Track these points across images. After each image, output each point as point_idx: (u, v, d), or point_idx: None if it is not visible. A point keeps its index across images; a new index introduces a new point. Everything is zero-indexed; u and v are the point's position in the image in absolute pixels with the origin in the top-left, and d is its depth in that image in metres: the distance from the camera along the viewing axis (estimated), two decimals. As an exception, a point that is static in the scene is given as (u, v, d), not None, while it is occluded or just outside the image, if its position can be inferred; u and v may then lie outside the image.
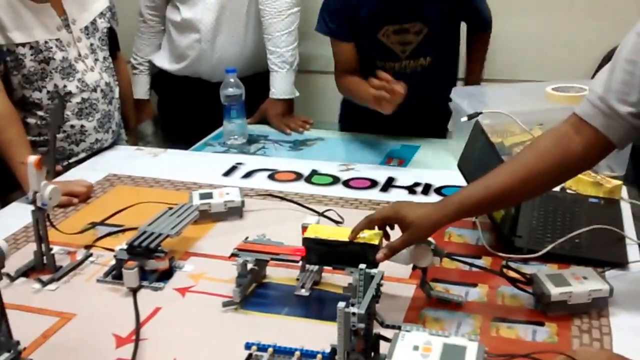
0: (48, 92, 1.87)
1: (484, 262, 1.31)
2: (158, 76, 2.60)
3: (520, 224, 1.42)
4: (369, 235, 1.16)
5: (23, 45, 1.81)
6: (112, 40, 2.09)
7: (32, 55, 1.82)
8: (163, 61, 2.51)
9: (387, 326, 1.01)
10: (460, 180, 1.46)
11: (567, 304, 1.13)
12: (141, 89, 2.56)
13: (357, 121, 2.22)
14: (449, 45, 2.11)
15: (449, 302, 1.17)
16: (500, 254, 1.33)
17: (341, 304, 0.87)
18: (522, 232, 1.39)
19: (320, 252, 1.17)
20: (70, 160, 1.95)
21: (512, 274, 1.20)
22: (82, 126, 1.94)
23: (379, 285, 0.94)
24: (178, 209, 1.43)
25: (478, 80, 2.20)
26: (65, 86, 1.88)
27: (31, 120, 1.89)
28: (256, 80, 2.35)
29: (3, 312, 0.92)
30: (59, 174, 1.83)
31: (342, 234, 1.17)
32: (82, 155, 1.98)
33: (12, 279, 1.30)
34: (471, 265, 1.25)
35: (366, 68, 2.05)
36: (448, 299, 1.17)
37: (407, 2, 1.95)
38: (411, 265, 1.16)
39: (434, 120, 2.15)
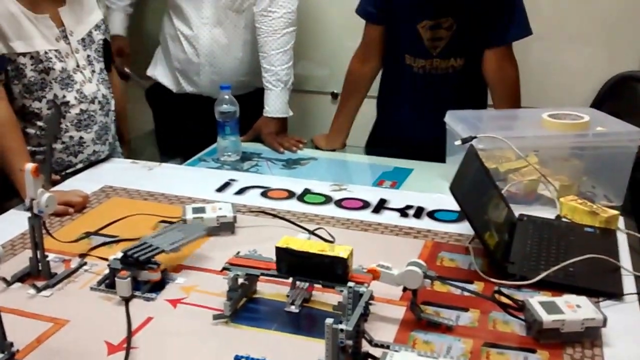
0: (47, 102, 1.89)
1: (476, 287, 1.33)
2: (153, 90, 2.63)
3: (514, 250, 1.44)
4: (340, 250, 1.17)
5: (24, 55, 1.83)
6: (107, 53, 2.10)
7: (32, 65, 1.84)
8: (162, 77, 2.54)
9: (376, 345, 1.02)
10: (454, 204, 1.49)
11: (560, 332, 1.14)
12: (117, 24, 2.61)
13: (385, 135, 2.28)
14: (483, 49, 2.11)
15: (439, 325, 1.19)
16: (493, 279, 1.34)
17: (329, 320, 0.89)
18: (516, 258, 1.41)
19: (290, 263, 1.19)
20: (68, 171, 1.97)
21: (504, 299, 1.23)
22: (80, 137, 1.96)
23: (368, 303, 0.96)
24: (188, 226, 1.43)
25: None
26: (64, 96, 1.90)
27: (31, 130, 1.90)
28: (251, 97, 2.38)
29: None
30: (56, 183, 1.84)
31: (314, 246, 1.18)
32: (80, 166, 2.00)
33: (8, 283, 1.31)
34: (463, 289, 1.27)
35: (395, 64, 2.12)
36: (438, 322, 1.19)
37: None
38: (402, 287, 1.18)
39: None
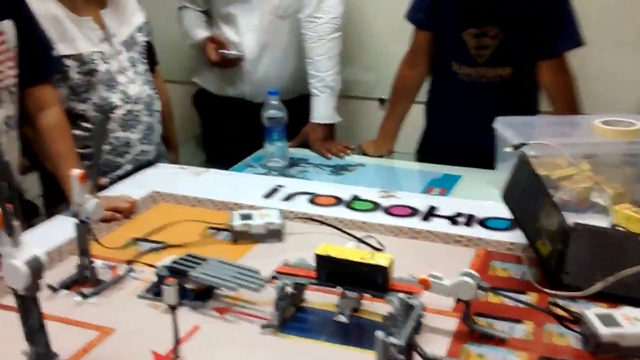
0: (94, 103, 1.91)
1: (530, 297, 1.28)
2: (200, 95, 2.63)
3: (568, 260, 1.39)
4: (380, 258, 1.14)
5: (68, 57, 1.85)
6: (150, 55, 2.12)
7: (77, 67, 1.87)
8: (206, 82, 2.54)
9: (428, 358, 0.98)
10: (505, 212, 1.44)
11: (618, 346, 1.09)
12: (197, 28, 2.44)
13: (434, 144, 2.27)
14: (532, 59, 2.08)
15: (493, 338, 1.14)
16: (547, 290, 1.29)
17: (380, 333, 0.86)
18: (570, 268, 1.35)
19: (330, 270, 1.17)
20: (117, 173, 1.98)
21: (559, 311, 1.18)
22: (126, 138, 1.98)
23: (420, 316, 0.92)
24: (247, 272, 1.28)
25: None
26: (109, 98, 1.92)
27: (77, 132, 1.90)
28: (298, 103, 2.37)
29: (41, 324, 0.93)
30: (103, 188, 1.85)
31: (354, 254, 1.16)
32: (128, 167, 2.01)
33: (55, 290, 1.31)
34: (516, 300, 1.23)
35: (443, 70, 2.11)
36: (492, 335, 1.14)
37: (484, 3, 1.98)
38: (454, 298, 1.15)
39: None
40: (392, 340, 0.85)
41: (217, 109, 2.56)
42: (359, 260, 1.14)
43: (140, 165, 2.05)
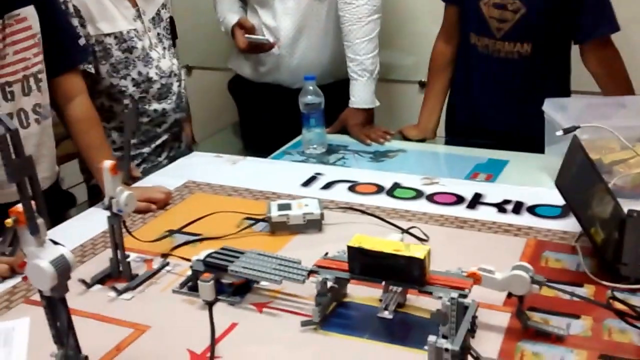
0: (133, 79, 1.97)
1: (587, 290, 1.20)
2: (236, 82, 2.58)
3: (625, 250, 1.30)
4: (416, 249, 1.08)
5: (109, 35, 1.91)
6: (172, 29, 2.19)
7: (117, 45, 1.93)
8: (243, 68, 2.49)
9: (483, 362, 0.92)
10: (555, 199, 1.36)
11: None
12: (229, 13, 2.38)
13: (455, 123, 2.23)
14: (555, 38, 2.01)
15: (549, 335, 1.07)
16: (605, 282, 1.21)
17: (432, 338, 0.79)
18: (628, 259, 1.27)
19: (363, 263, 1.11)
20: (156, 143, 2.08)
21: (619, 305, 1.10)
22: (163, 109, 2.06)
23: (475, 317, 0.85)
24: (288, 263, 1.22)
25: None
26: (147, 73, 1.99)
27: (118, 108, 1.97)
28: (336, 88, 2.30)
29: (70, 325, 0.88)
30: (137, 179, 1.82)
31: (388, 246, 1.10)
32: (165, 136, 2.11)
33: (88, 285, 1.27)
34: (573, 294, 1.14)
35: (463, 44, 2.09)
36: (548, 332, 1.07)
37: None
38: (506, 292, 1.07)
39: (532, 126, 2.05)
40: (446, 344, 0.78)
41: (254, 96, 2.51)
42: (393, 252, 1.09)
43: (174, 136, 2.15)
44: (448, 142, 2.23)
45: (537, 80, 2.04)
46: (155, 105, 2.03)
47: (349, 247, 1.12)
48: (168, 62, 2.06)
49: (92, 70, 1.90)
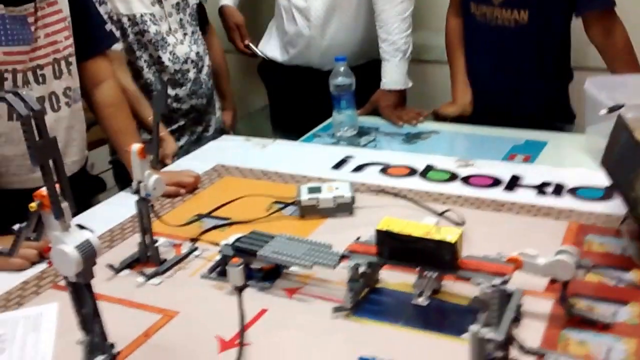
0: (145, 61, 2.01)
1: (633, 276, 1.14)
2: (266, 66, 2.55)
3: (672, 234, 1.24)
4: (447, 233, 1.04)
5: (124, 16, 1.94)
6: (201, 16, 2.19)
7: (130, 27, 1.96)
8: (273, 50, 2.45)
9: (528, 352, 0.86)
10: (597, 180, 1.30)
11: None
12: None
13: None
14: (552, 7, 1.96)
15: (595, 323, 1.01)
16: (652, 267, 1.15)
17: (474, 327, 0.74)
18: (676, 243, 1.21)
19: (392, 247, 1.07)
20: (172, 127, 2.06)
21: (669, 292, 1.04)
22: (176, 94, 2.06)
23: (519, 306, 0.80)
24: (318, 247, 1.19)
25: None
26: (159, 57, 2.00)
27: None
28: (367, 69, 2.25)
29: (96, 311, 0.85)
30: (166, 164, 1.79)
31: (418, 229, 1.06)
32: (181, 122, 2.11)
33: (116, 271, 1.25)
34: (620, 279, 1.09)
35: (465, 14, 2.09)
36: (593, 319, 1.02)
37: None
38: (547, 278, 1.02)
39: (530, 99, 2.04)
40: (489, 334, 0.73)
41: (284, 79, 2.47)
42: (423, 235, 1.04)
43: (194, 119, 2.14)
44: (466, 122, 2.16)
45: (534, 50, 2.00)
46: (169, 91, 2.04)
47: (378, 231, 1.08)
48: (186, 48, 2.06)
49: (120, 47, 1.91)
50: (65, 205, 0.80)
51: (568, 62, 2.07)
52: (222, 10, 2.50)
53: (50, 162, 0.79)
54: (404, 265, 1.10)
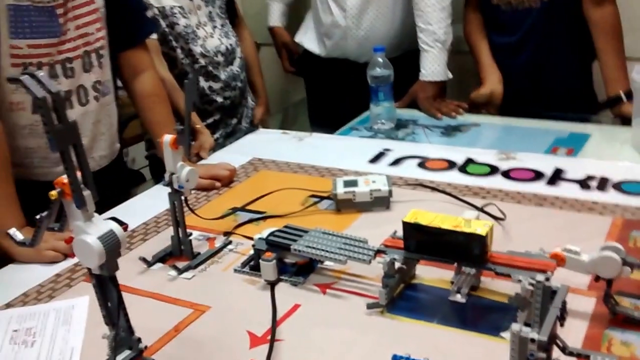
0: (178, 51, 1.99)
1: (682, 274, 1.09)
2: (304, 59, 2.53)
3: None
4: (477, 225, 1.00)
5: (155, 7, 1.93)
6: (230, 8, 2.20)
7: (161, 19, 1.95)
8: (309, 42, 2.43)
9: (571, 353, 0.82)
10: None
11: None
12: (272, 15, 2.60)
13: None
14: None
15: (639, 322, 0.97)
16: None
17: (516, 326, 0.70)
18: None
19: (419, 240, 1.05)
20: (207, 121, 2.03)
21: None
22: (210, 87, 2.05)
23: (564, 303, 0.76)
24: (353, 242, 1.16)
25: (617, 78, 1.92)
26: (190, 50, 1.99)
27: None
28: (406, 60, 2.20)
29: (122, 305, 0.84)
30: (201, 159, 1.78)
31: (446, 221, 1.03)
32: (217, 115, 2.09)
33: (149, 264, 1.24)
34: (667, 278, 1.04)
35: (486, 7, 2.07)
36: (638, 318, 0.97)
37: None
38: (591, 275, 0.98)
39: (558, 73, 2.03)
40: (532, 334, 0.69)
41: (321, 71, 2.44)
42: (452, 228, 1.02)
43: (228, 112, 2.13)
44: (508, 114, 2.10)
45: (560, 26, 2.00)
46: (202, 83, 2.02)
47: (404, 223, 1.06)
48: (216, 41, 2.05)
49: (155, 37, 1.90)
50: (87, 193, 0.77)
51: (590, 39, 2.00)
52: (271, 32, 2.61)
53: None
54: (439, 261, 1.06)
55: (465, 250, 1.01)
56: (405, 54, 2.24)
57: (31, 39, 1.40)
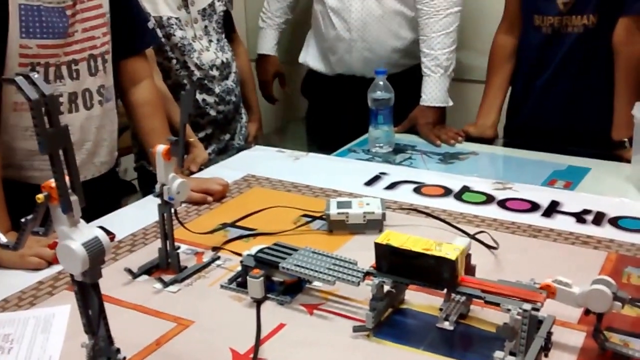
0: (174, 62, 1.99)
1: (674, 313, 1.08)
2: (309, 79, 2.52)
3: None
4: (448, 249, 1.00)
5: (152, 17, 1.92)
6: (227, 23, 2.19)
7: (157, 28, 1.94)
8: (314, 60, 2.42)
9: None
10: (641, 211, 1.24)
11: None
12: (266, 43, 2.55)
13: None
14: (618, 8, 1.89)
15: (629, 359, 0.95)
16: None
17: (499, 354, 0.69)
18: None
19: (391, 261, 1.04)
20: (199, 135, 2.02)
21: None
22: (203, 99, 2.05)
23: (550, 333, 0.75)
24: (342, 263, 1.13)
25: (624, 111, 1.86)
26: (185, 62, 2.00)
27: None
28: (408, 77, 2.20)
29: (103, 313, 0.82)
30: (193, 172, 1.76)
31: (418, 244, 1.02)
32: (209, 130, 2.10)
33: (134, 275, 1.22)
34: (658, 315, 1.03)
35: (526, 29, 2.03)
36: (628, 355, 0.95)
37: None
38: (582, 309, 0.96)
39: (595, 111, 1.98)
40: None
41: (326, 91, 2.43)
42: (422, 251, 1.01)
43: (221, 127, 2.13)
44: (507, 145, 2.10)
45: (602, 54, 1.94)
46: (197, 95, 2.03)
47: (376, 244, 1.05)
48: (212, 55, 2.05)
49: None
50: (74, 199, 0.76)
51: None
52: (261, 59, 2.55)
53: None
54: (407, 282, 1.05)
55: (436, 273, 1.00)
56: (408, 70, 2.23)
57: (41, 39, 1.40)
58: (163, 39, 1.95)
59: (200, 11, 2.02)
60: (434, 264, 1.00)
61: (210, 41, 2.06)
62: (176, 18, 1.97)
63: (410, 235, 1.05)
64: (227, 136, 2.17)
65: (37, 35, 1.39)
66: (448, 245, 1.02)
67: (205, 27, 2.05)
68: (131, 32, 1.63)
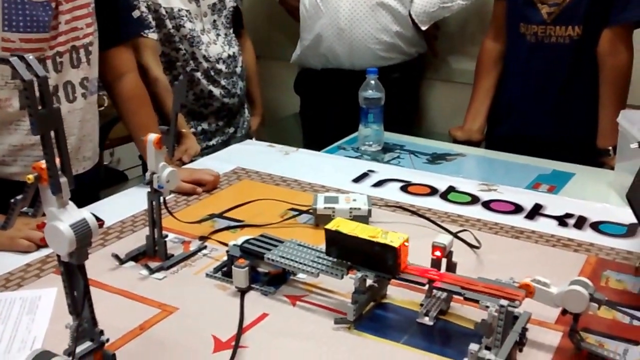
0: (182, 54, 2.03)
1: (649, 316, 1.10)
2: (301, 77, 2.54)
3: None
4: (392, 237, 1.03)
5: (162, 8, 1.96)
6: (237, 19, 2.22)
7: (167, 19, 1.97)
8: (302, 55, 2.46)
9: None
10: (622, 217, 1.26)
11: None
12: None
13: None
14: (604, 21, 1.94)
15: (603, 359, 0.97)
16: (670, 308, 1.11)
17: (474, 346, 0.71)
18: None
19: (340, 247, 1.07)
20: (202, 125, 2.11)
21: (685, 335, 1.00)
22: (210, 91, 2.09)
23: (525, 329, 0.77)
24: (325, 256, 1.12)
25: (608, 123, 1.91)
26: (193, 53, 2.03)
27: (168, 77, 1.99)
28: (394, 72, 2.25)
29: (88, 295, 0.83)
30: (184, 163, 1.77)
31: (365, 231, 1.05)
32: (212, 120, 2.14)
33: (121, 262, 1.23)
34: (633, 317, 1.05)
35: (511, 37, 2.07)
36: (602, 355, 0.97)
37: None
38: (560, 309, 0.98)
39: (582, 119, 2.02)
40: (489, 355, 0.70)
41: (317, 86, 2.46)
42: (368, 238, 1.04)
43: (226, 120, 2.17)
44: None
45: (588, 66, 1.98)
46: (203, 86, 2.06)
47: (327, 230, 1.08)
48: (219, 48, 2.08)
49: (155, 37, 1.93)
50: (64, 180, 0.77)
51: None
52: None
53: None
54: (356, 269, 1.08)
55: (381, 260, 1.03)
56: (394, 65, 2.27)
57: (24, 32, 1.36)
58: (172, 30, 1.98)
59: (211, 5, 2.06)
60: (379, 250, 1.03)
61: (218, 35, 2.09)
62: (187, 10, 2.00)
63: (359, 224, 1.08)
64: (232, 129, 2.20)
65: (21, 29, 1.35)
66: (394, 234, 1.05)
67: (214, 21, 2.09)
68: (114, 21, 1.59)
